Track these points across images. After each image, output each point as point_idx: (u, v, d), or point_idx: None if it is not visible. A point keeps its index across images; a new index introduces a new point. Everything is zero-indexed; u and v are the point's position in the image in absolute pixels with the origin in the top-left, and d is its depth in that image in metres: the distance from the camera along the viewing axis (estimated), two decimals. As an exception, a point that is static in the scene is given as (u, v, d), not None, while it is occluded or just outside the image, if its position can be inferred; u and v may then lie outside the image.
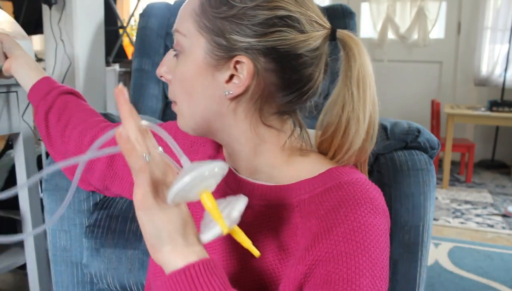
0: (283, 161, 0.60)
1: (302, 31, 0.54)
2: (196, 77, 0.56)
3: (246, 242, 0.49)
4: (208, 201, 0.46)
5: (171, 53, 0.59)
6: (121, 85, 0.46)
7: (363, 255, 0.51)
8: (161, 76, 0.61)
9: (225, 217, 0.47)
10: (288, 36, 0.53)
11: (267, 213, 0.58)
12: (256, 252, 0.49)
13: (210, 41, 0.54)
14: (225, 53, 0.54)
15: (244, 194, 0.59)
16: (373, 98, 0.58)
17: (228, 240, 0.59)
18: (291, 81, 0.56)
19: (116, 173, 0.76)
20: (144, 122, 0.46)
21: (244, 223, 0.58)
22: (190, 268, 0.45)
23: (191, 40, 0.56)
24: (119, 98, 0.45)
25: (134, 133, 0.44)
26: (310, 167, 0.59)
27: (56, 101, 0.82)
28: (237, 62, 0.54)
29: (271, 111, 0.58)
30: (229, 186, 0.63)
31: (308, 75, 0.56)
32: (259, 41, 0.53)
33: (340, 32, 0.57)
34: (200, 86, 0.56)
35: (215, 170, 0.46)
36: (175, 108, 0.61)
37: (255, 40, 0.53)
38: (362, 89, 0.57)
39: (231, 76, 0.55)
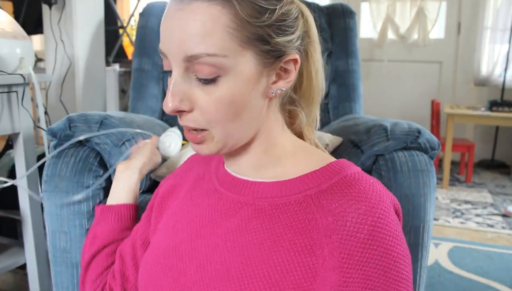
0: (287, 152, 0.61)
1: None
2: (249, 92, 0.54)
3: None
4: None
5: (179, 80, 0.54)
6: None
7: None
8: (178, 111, 0.55)
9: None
10: (300, 24, 0.58)
11: (269, 209, 0.57)
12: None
13: (257, 52, 0.53)
14: (274, 56, 0.54)
15: (245, 193, 0.60)
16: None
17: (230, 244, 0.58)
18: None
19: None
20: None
21: (244, 220, 0.58)
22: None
23: (235, 58, 0.52)
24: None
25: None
26: (312, 160, 0.60)
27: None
28: (286, 60, 0.56)
29: (282, 101, 0.62)
30: (226, 188, 0.62)
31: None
32: (296, 35, 0.56)
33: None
34: (253, 99, 0.55)
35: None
36: (201, 134, 0.56)
37: (292, 36, 0.56)
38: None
39: (277, 75, 0.57)
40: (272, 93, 0.57)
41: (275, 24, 0.53)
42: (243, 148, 0.61)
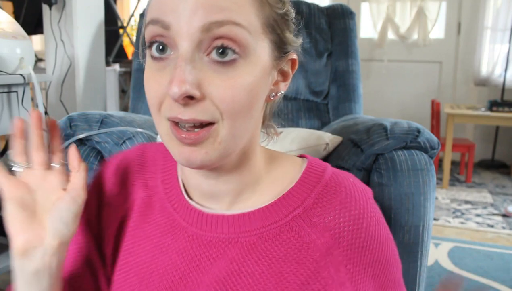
0: (262, 169, 0.55)
1: None
2: (262, 85, 0.47)
3: None
4: None
5: (189, 60, 0.43)
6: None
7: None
8: (187, 95, 0.42)
9: None
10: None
11: (260, 243, 0.51)
12: None
13: (272, 40, 0.47)
14: (282, 52, 0.49)
15: (225, 231, 0.51)
16: None
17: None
18: None
19: None
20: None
21: (234, 262, 0.51)
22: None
23: (256, 40, 0.45)
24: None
25: None
26: (286, 171, 0.55)
27: None
28: (287, 60, 0.51)
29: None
30: (198, 227, 0.53)
31: None
32: (294, 35, 0.52)
33: None
34: (262, 94, 0.48)
35: None
36: (205, 130, 0.44)
37: (292, 34, 0.52)
38: None
39: (277, 76, 0.52)
40: (271, 95, 0.51)
41: (284, 18, 0.49)
42: (226, 165, 0.51)
